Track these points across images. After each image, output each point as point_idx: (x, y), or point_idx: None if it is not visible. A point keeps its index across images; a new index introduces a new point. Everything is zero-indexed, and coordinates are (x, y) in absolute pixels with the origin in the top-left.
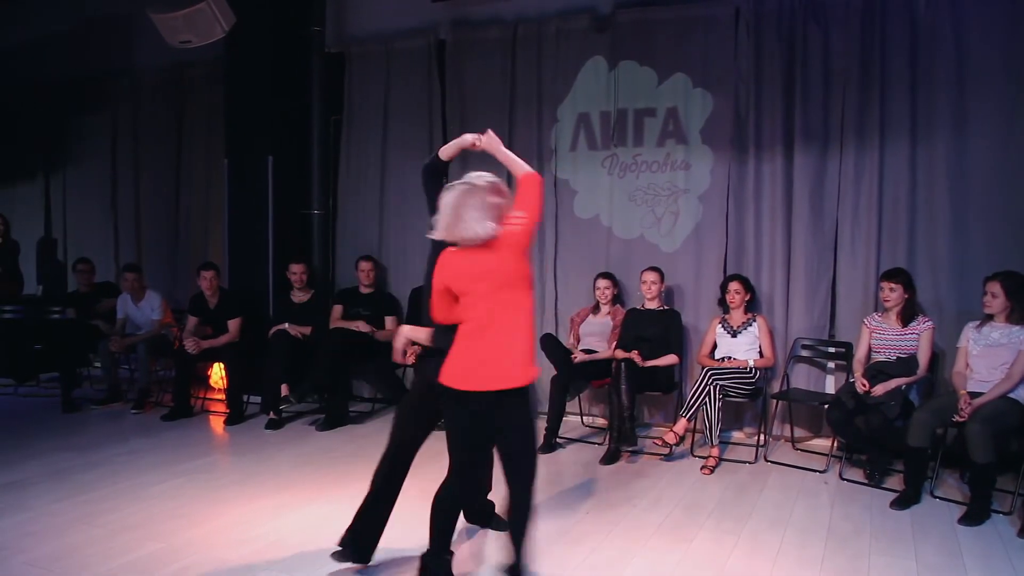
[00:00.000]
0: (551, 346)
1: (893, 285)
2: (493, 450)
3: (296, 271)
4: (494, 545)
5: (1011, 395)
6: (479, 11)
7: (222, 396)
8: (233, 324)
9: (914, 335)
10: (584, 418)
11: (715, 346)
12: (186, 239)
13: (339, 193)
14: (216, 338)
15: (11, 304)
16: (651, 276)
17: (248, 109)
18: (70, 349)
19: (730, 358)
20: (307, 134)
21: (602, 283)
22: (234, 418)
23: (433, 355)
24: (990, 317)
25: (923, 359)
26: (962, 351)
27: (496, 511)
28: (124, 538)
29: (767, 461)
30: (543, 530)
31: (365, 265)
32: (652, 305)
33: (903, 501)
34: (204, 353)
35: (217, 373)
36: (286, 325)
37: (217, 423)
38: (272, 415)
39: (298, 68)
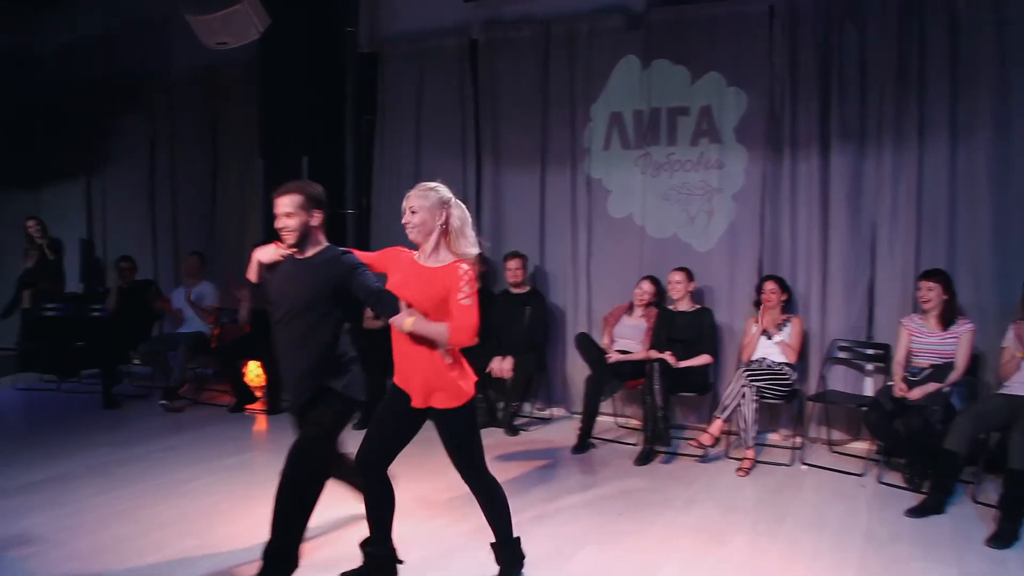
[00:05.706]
0: (585, 345)
1: (931, 284)
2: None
3: None
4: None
5: None
6: (511, 10)
7: (259, 394)
8: None
9: (954, 338)
10: (618, 419)
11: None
12: (222, 239)
13: (373, 193)
14: None
15: (53, 302)
16: (677, 276)
17: (283, 109)
18: (110, 346)
19: (765, 359)
20: (341, 134)
21: (645, 285)
22: (271, 408)
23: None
24: None
25: (961, 361)
26: (1007, 350)
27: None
28: (161, 534)
29: (803, 464)
30: (577, 530)
31: None
32: (683, 306)
33: (922, 510)
34: (240, 350)
35: (253, 371)
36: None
37: (252, 420)
38: None
39: (332, 68)
